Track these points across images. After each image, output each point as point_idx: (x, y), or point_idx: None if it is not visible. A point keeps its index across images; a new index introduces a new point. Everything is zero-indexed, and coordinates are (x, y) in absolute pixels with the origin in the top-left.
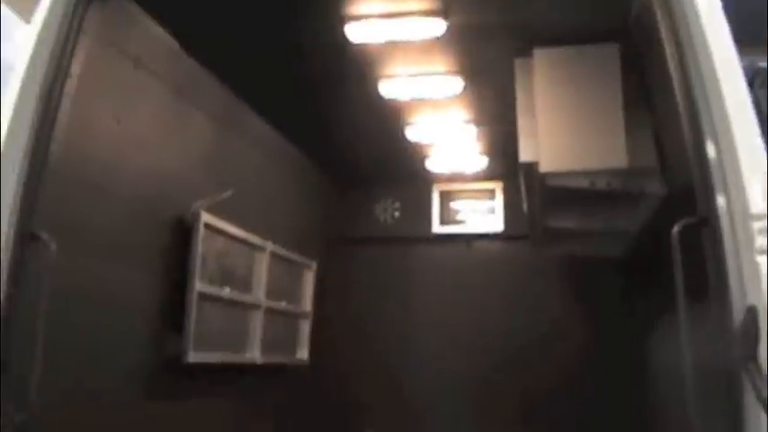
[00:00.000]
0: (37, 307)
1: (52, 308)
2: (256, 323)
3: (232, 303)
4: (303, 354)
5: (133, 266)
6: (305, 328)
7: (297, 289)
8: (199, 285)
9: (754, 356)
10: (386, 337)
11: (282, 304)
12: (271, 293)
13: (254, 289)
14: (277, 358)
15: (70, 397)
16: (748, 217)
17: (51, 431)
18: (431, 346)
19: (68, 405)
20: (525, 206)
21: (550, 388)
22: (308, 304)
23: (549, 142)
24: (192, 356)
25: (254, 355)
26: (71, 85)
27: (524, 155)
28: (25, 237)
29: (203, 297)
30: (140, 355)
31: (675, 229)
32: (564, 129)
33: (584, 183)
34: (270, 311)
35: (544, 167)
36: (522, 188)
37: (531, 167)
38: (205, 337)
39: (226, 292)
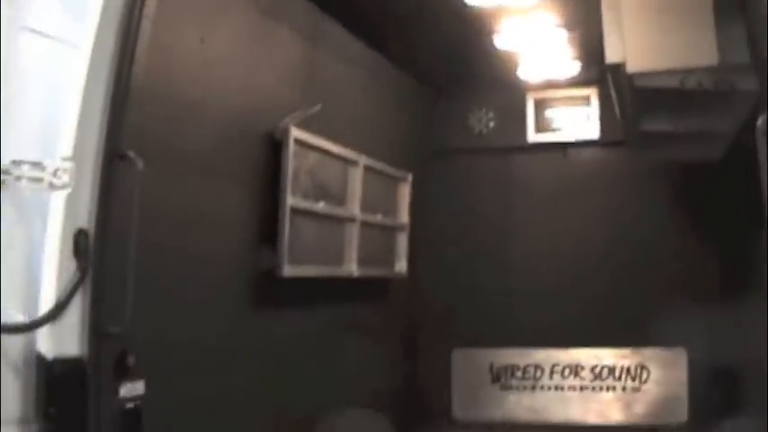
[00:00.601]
0: (128, 224)
1: (149, 223)
2: (352, 236)
3: (326, 217)
4: (401, 266)
5: (225, 183)
6: (402, 240)
7: (393, 202)
8: (291, 200)
9: None
10: (483, 247)
11: (378, 217)
12: (366, 207)
13: (348, 203)
14: (374, 271)
15: (166, 311)
16: None
17: (153, 343)
18: (528, 255)
19: (164, 319)
20: (617, 110)
21: (649, 293)
22: (404, 217)
23: (635, 41)
24: (287, 270)
25: (351, 268)
26: (152, 6)
27: (611, 55)
28: (114, 157)
29: (296, 212)
30: (235, 269)
31: (759, 122)
32: (651, 26)
33: (673, 82)
34: (365, 225)
35: (631, 68)
36: (612, 91)
37: (618, 68)
38: (299, 251)
39: (319, 206)
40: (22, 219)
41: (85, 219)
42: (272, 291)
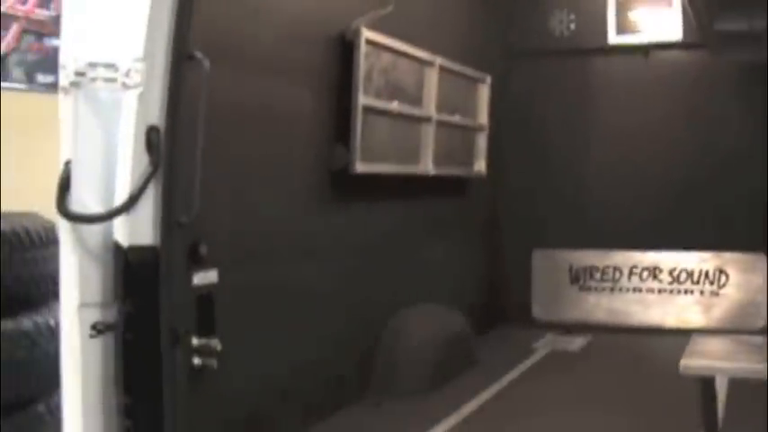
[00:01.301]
0: (197, 121)
1: (221, 121)
2: (428, 136)
3: (401, 117)
4: (480, 166)
5: (297, 83)
6: (481, 141)
7: (471, 103)
8: (363, 99)
9: None
10: (562, 149)
11: (456, 118)
12: (442, 107)
13: (424, 103)
14: (451, 170)
15: (238, 206)
16: None
17: (226, 236)
18: (608, 157)
19: (237, 213)
20: (689, 9)
21: (730, 198)
22: (483, 118)
23: None
24: (359, 167)
25: (427, 166)
26: None
27: None
28: (182, 57)
29: (369, 110)
30: (308, 166)
31: None
32: None
33: None
34: (442, 125)
35: None
36: None
37: None
38: (372, 149)
39: (393, 105)
40: (98, 117)
41: (156, 116)
42: (346, 188)
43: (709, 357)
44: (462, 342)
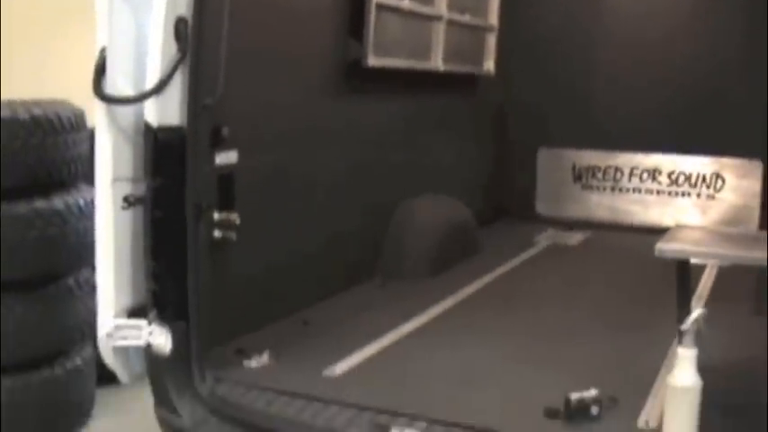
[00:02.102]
0: (221, 14)
1: (243, 16)
2: (438, 33)
3: (412, 14)
4: (489, 66)
5: None
6: (491, 41)
7: (483, 3)
8: None
9: None
10: (571, 51)
11: (466, 17)
12: (453, 7)
13: (435, 2)
14: (460, 67)
15: (257, 93)
16: None
17: (246, 121)
18: (616, 60)
19: (255, 101)
20: None
21: (731, 105)
22: (493, 18)
23: None
24: (372, 60)
25: (437, 63)
26: None
27: None
28: None
29: (382, 7)
30: (324, 58)
31: None
32: None
33: None
34: (452, 24)
35: None
36: None
37: None
38: (385, 44)
39: (404, 3)
40: (131, 7)
41: (184, 8)
42: (359, 81)
43: (684, 242)
44: (466, 231)
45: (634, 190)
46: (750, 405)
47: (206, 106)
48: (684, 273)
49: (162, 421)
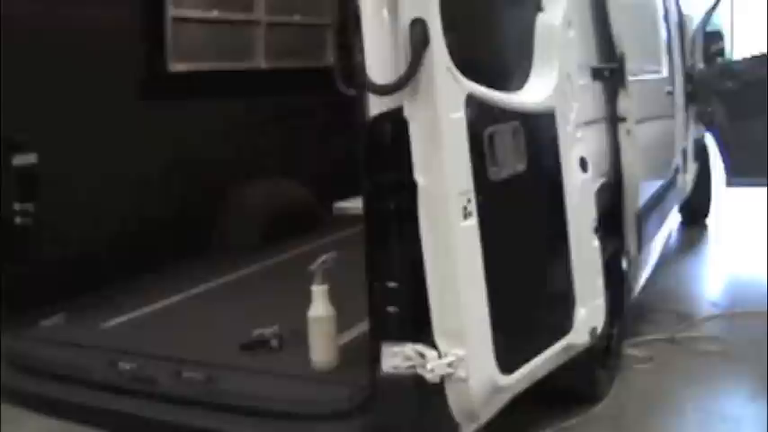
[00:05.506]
0: None
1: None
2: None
3: (222, 22)
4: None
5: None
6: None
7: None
8: (175, 12)
9: None
10: None
11: (296, 18)
12: (277, 10)
13: (255, 8)
14: (293, 64)
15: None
16: None
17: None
18: None
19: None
20: None
21: None
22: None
23: None
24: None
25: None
26: None
27: None
28: None
29: (180, 20)
30: (129, 68)
31: None
32: None
33: None
34: (275, 25)
35: None
36: None
37: None
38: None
39: (213, 14)
40: None
41: None
42: (168, 84)
43: None
44: (298, 209)
45: None
46: None
47: None
48: None
49: None
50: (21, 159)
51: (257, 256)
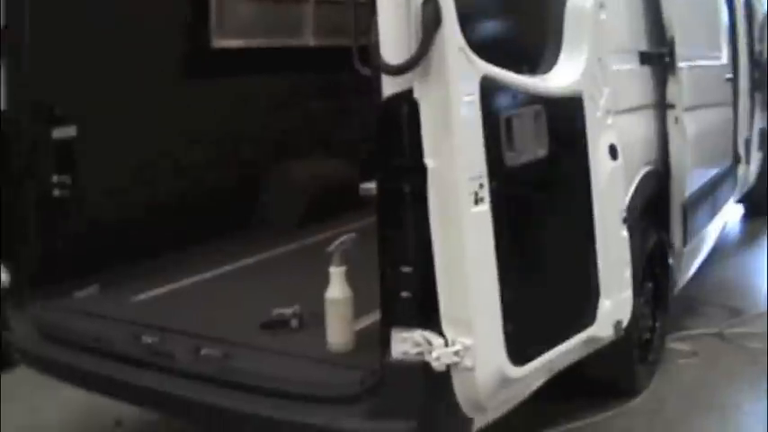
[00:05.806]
0: None
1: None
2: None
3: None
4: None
5: None
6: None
7: None
8: None
9: None
10: None
11: None
12: None
13: None
14: (339, 42)
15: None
16: None
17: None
18: None
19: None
20: None
21: None
22: None
23: None
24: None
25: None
26: None
27: None
28: None
29: None
30: (171, 43)
31: None
32: None
33: None
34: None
35: None
36: None
37: None
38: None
39: None
40: None
41: None
42: (210, 60)
43: None
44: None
45: None
46: None
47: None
48: None
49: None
50: (60, 132)
51: (297, 235)
